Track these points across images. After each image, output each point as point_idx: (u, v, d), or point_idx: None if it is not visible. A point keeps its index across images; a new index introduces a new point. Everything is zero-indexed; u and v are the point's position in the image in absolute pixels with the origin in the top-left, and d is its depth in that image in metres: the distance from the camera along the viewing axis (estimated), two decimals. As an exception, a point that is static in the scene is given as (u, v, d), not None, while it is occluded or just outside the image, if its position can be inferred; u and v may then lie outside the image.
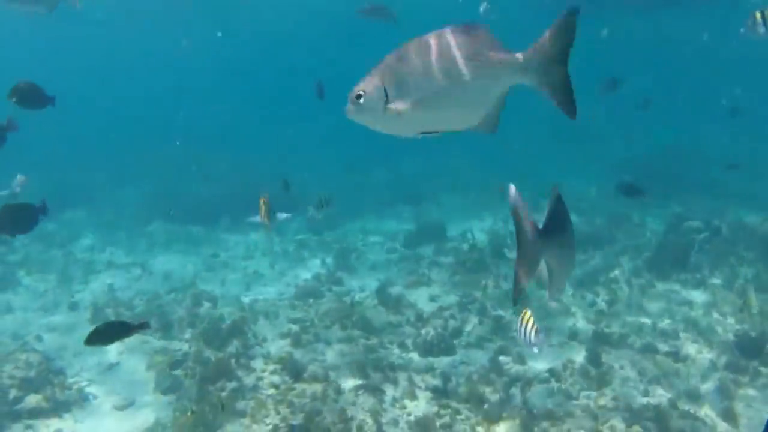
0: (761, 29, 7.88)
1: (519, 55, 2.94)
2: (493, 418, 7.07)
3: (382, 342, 9.53)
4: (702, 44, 27.58)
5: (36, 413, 8.07)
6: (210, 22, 30.99)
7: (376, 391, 7.80)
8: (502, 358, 8.75)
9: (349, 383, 8.01)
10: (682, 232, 13.29)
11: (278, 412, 7.34)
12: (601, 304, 10.72)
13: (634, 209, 15.96)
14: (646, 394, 7.76)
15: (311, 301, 11.52)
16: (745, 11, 8.05)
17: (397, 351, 9.25)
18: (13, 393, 8.22)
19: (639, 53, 31.90)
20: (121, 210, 19.41)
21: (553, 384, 8.01)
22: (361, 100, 3.03)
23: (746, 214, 15.01)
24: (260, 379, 8.16)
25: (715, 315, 10.10)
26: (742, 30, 7.96)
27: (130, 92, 41.57)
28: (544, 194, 3.29)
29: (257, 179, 17.71)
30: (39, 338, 10.37)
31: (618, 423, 6.75)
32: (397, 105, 3.01)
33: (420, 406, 7.53)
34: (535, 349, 6.09)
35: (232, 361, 8.54)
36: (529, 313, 5.85)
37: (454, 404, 7.41)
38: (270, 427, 7.05)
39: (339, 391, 7.76)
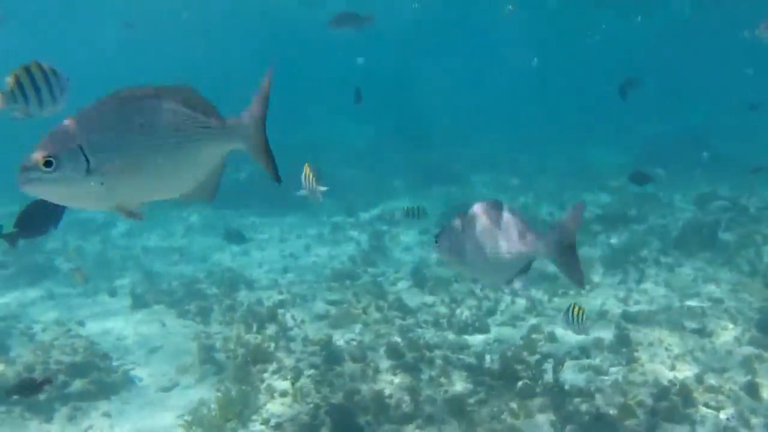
0: None
1: (228, 121, 2.98)
2: (526, 395, 7.32)
3: (418, 322, 9.81)
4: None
5: (84, 396, 8.47)
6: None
7: (412, 370, 8.07)
8: (534, 336, 9.00)
9: (386, 363, 8.28)
10: (710, 211, 13.47)
11: (318, 392, 7.65)
12: (630, 283, 10.92)
13: (662, 188, 16.11)
14: (673, 368, 7.97)
15: (348, 282, 11.83)
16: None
17: (432, 331, 9.52)
18: (61, 377, 8.63)
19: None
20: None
21: (584, 361, 8.26)
22: (51, 168, 2.54)
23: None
24: (300, 360, 8.45)
25: (741, 293, 10.26)
26: (747, 32, 8.04)
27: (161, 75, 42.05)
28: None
29: (290, 163, 18.07)
30: (81, 324, 10.80)
31: (646, 398, 6.96)
32: (102, 172, 2.65)
33: (455, 383, 7.78)
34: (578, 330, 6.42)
35: (272, 343, 8.85)
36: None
37: (488, 381, 7.65)
38: (311, 405, 7.35)
39: (377, 371, 8.04)
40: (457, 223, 3.83)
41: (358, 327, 9.67)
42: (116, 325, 10.73)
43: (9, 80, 4.49)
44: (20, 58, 4.64)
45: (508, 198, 17.42)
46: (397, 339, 8.89)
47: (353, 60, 24.65)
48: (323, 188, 8.11)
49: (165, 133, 2.77)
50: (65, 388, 8.51)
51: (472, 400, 7.32)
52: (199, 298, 11.15)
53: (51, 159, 2.47)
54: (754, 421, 6.88)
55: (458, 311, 9.95)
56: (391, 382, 7.76)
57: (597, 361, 8.23)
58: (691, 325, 9.08)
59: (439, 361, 8.24)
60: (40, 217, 6.30)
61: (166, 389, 8.70)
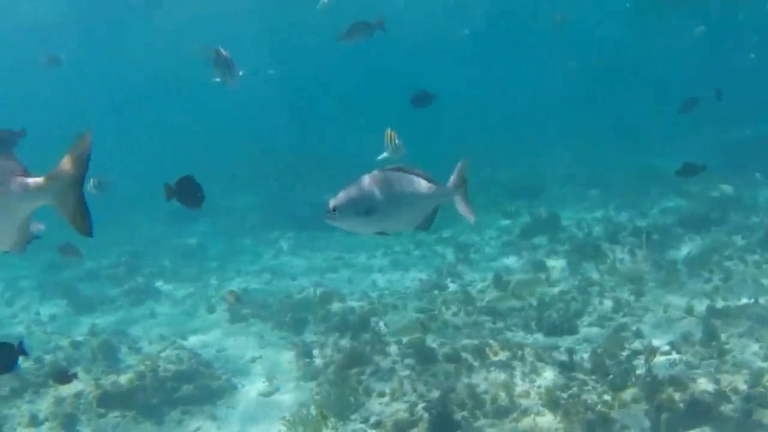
0: None
1: (40, 180, 2.97)
2: (619, 387, 7.53)
3: (508, 325, 10.09)
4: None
5: (191, 400, 9.08)
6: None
7: (506, 367, 8.36)
8: (623, 334, 9.21)
9: (479, 362, 8.59)
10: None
11: (415, 390, 8.03)
12: (716, 281, 10.98)
13: (744, 189, 16.01)
14: (766, 359, 8.07)
15: (435, 292, 12.21)
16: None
17: (522, 333, 9.79)
18: (169, 384, 9.26)
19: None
20: (243, 219, 20.70)
21: (674, 356, 8.44)
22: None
23: None
24: (395, 362, 8.84)
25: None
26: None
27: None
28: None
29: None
30: (184, 338, 11.47)
31: (741, 385, 7.08)
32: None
33: (548, 379, 8.04)
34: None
35: (368, 347, 9.27)
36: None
37: (580, 376, 7.90)
38: (408, 404, 7.72)
39: (471, 369, 8.37)
40: (361, 186, 4.28)
41: (449, 331, 10.03)
42: (216, 337, 11.36)
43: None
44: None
45: (588, 207, 17.66)
46: (489, 340, 9.19)
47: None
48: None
49: None
50: (174, 394, 9.14)
51: (565, 394, 7.57)
52: (294, 311, 11.66)
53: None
54: None
55: (546, 314, 10.19)
56: (485, 379, 8.07)
57: (687, 356, 8.40)
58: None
59: (530, 359, 8.52)
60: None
61: (267, 394, 9.22)
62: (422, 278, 13.32)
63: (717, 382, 7.22)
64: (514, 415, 7.44)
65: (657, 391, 7.21)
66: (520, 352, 8.73)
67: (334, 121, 34.10)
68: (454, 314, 10.68)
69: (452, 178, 4.54)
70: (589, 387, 7.65)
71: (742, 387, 7.05)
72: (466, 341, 9.33)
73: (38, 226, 7.33)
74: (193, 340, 11.38)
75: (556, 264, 12.89)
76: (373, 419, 7.87)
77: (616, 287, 11.15)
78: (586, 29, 34.26)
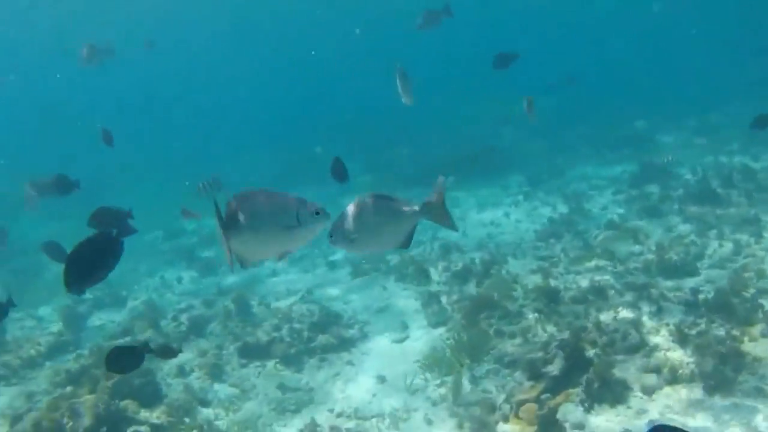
0: None
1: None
2: (747, 323, 7.77)
3: (628, 269, 10.34)
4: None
5: (327, 349, 9.76)
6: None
7: (632, 307, 8.68)
8: (746, 274, 9.37)
9: (605, 303, 8.93)
10: None
11: (545, 331, 8.44)
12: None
13: None
14: None
15: (552, 241, 12.54)
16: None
17: (643, 276, 10.04)
18: (305, 334, 9.94)
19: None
20: (349, 182, 21.28)
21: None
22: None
23: None
24: (523, 306, 9.26)
25: None
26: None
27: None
28: None
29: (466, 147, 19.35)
30: (310, 292, 12.14)
31: None
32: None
33: (675, 317, 8.32)
34: None
35: (495, 293, 9.71)
36: None
37: (707, 314, 8.16)
38: (539, 344, 8.12)
39: (599, 310, 8.72)
40: (347, 215, 4.70)
41: (570, 276, 10.37)
42: (341, 291, 12.01)
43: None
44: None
45: (695, 155, 17.58)
46: (613, 282, 9.51)
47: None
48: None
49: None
50: (310, 343, 9.82)
51: (693, 331, 7.85)
52: (415, 264, 12.18)
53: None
54: None
55: (666, 257, 10.39)
56: (614, 319, 8.41)
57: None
58: None
59: (656, 299, 8.79)
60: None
61: (399, 340, 9.80)
62: (537, 229, 13.64)
63: None
64: (645, 350, 7.76)
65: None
66: (645, 292, 9.02)
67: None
68: (574, 261, 11.00)
69: (429, 197, 4.81)
70: (717, 324, 7.90)
71: None
72: (590, 285, 9.66)
73: None
74: (319, 295, 12.03)
75: (671, 209, 13.04)
76: (506, 359, 8.32)
77: (735, 230, 11.25)
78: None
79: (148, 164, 27.11)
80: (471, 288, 10.38)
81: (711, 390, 6.97)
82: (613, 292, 9.18)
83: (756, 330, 7.67)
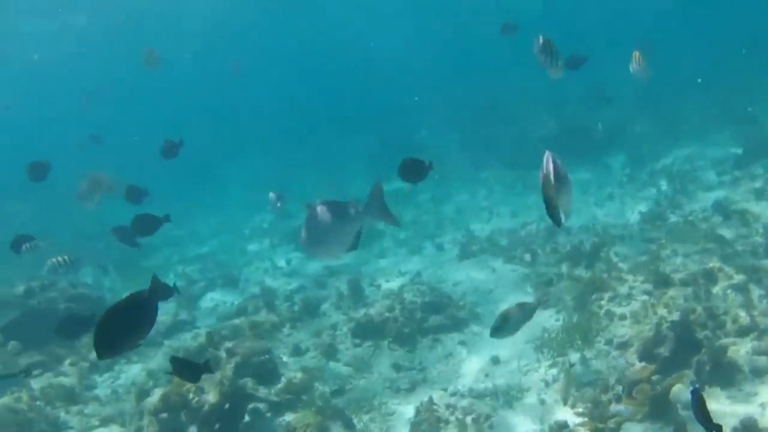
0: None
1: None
2: None
3: (736, 251, 10.45)
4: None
5: (439, 329, 10.26)
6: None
7: (742, 290, 8.86)
8: None
9: (714, 286, 9.13)
10: None
11: (656, 313, 8.72)
12: None
13: None
14: None
15: (658, 223, 12.69)
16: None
17: (751, 259, 10.14)
18: (418, 315, 10.46)
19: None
20: (446, 159, 21.70)
21: None
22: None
23: None
24: (632, 288, 9.54)
25: None
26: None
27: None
28: None
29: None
30: (419, 274, 12.66)
31: None
32: None
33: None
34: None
35: (604, 275, 10.01)
36: None
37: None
38: (650, 326, 8.40)
39: (708, 293, 8.94)
40: (310, 226, 5.53)
41: (678, 259, 10.55)
42: (450, 272, 12.48)
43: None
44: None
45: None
46: (721, 265, 9.66)
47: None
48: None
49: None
50: (423, 323, 10.34)
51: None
52: (523, 245, 12.54)
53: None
54: None
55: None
56: (723, 301, 8.62)
57: None
58: None
59: (766, 282, 8.95)
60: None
61: (529, 322, 10.19)
62: (642, 210, 13.78)
63: None
64: (756, 333, 7.97)
65: None
66: (754, 275, 9.17)
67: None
68: (681, 242, 11.16)
69: (367, 200, 5.56)
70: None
71: None
72: (698, 267, 9.84)
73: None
74: (428, 276, 12.53)
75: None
76: (617, 341, 8.65)
77: None
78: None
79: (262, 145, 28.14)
80: (580, 270, 10.68)
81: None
82: (721, 274, 9.36)
83: None
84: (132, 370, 10.85)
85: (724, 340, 7.97)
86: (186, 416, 8.27)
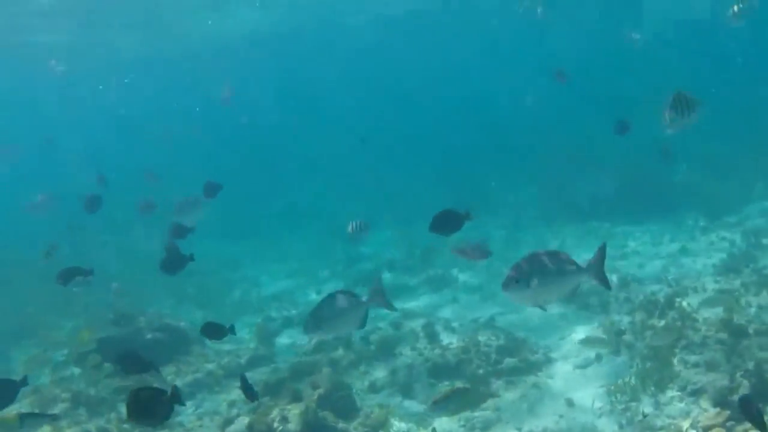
0: None
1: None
2: None
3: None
4: None
5: (514, 371, 10.66)
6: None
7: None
8: None
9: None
10: None
11: (729, 362, 9.00)
12: None
13: None
14: None
15: (732, 276, 12.93)
16: None
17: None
18: (492, 357, 10.90)
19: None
20: (521, 211, 22.17)
21: None
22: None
23: None
24: (706, 337, 9.81)
25: None
26: None
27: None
28: None
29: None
30: (492, 318, 13.09)
31: None
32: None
33: None
34: None
35: (678, 323, 10.33)
36: None
37: None
38: (724, 373, 8.66)
39: (786, 343, 9.20)
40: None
41: (752, 310, 10.83)
42: (523, 318, 12.87)
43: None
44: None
45: None
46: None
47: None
48: None
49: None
50: (498, 365, 10.77)
51: None
52: (595, 295, 12.89)
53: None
54: None
55: None
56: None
57: None
58: None
59: None
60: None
61: (583, 366, 10.57)
62: (714, 263, 14.03)
63: None
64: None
65: None
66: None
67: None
68: (755, 295, 11.43)
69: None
70: None
71: None
72: (773, 317, 10.10)
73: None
74: (501, 321, 12.95)
75: None
76: (690, 388, 8.95)
77: None
78: None
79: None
80: (653, 319, 11.01)
81: None
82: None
83: None
84: (215, 400, 11.44)
85: (799, 390, 8.20)
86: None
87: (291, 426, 9.14)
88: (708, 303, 11.53)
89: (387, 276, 17.67)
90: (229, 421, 9.99)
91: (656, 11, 32.73)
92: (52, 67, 28.87)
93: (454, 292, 15.61)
